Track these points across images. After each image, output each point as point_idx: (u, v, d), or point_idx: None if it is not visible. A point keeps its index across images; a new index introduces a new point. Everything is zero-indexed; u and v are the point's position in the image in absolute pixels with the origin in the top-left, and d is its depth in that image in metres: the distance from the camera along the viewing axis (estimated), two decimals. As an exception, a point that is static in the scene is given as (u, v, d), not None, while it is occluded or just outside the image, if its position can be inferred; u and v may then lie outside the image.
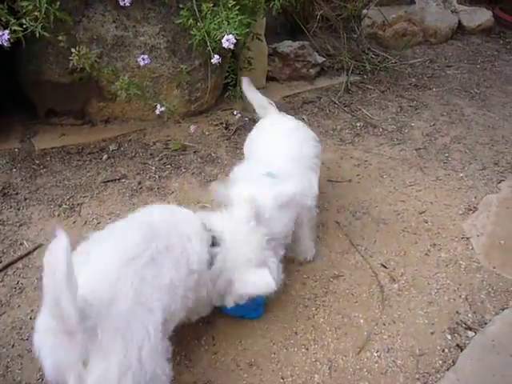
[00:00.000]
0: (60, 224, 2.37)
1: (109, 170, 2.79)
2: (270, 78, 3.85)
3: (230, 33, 2.23)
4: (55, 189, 2.62)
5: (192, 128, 2.75)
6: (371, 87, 3.99)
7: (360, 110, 3.63)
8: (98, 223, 2.40)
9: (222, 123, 3.26)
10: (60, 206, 2.51)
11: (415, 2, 4.67)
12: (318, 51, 4.18)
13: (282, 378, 1.75)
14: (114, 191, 2.63)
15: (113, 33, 2.87)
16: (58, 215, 2.45)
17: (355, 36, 4.60)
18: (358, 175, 2.89)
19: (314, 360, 1.82)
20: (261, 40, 3.29)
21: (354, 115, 3.54)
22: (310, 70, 3.89)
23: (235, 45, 2.28)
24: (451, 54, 4.89)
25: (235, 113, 3.08)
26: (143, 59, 2.46)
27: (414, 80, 4.25)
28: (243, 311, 1.90)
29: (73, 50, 2.36)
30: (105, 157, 2.89)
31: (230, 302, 1.73)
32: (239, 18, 2.47)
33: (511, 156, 3.17)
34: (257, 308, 1.95)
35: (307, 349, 1.86)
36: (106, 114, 3.15)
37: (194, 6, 2.54)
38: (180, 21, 2.59)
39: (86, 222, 2.41)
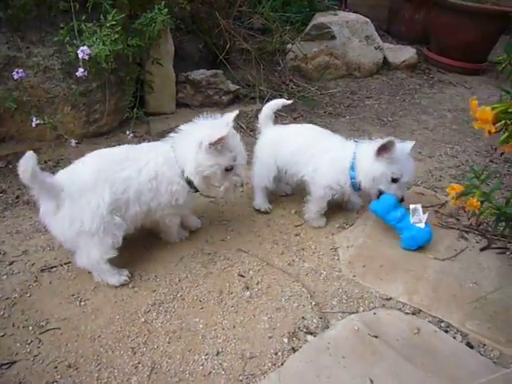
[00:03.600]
0: None
1: (-10, 186, 2.79)
2: (182, 105, 3.93)
3: (84, 44, 2.31)
4: None
5: (73, 142, 2.77)
6: (284, 114, 4.08)
7: (266, 134, 3.69)
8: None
9: (120, 145, 3.29)
10: None
11: (336, 38, 4.87)
12: (237, 81, 4.31)
13: (98, 380, 1.71)
14: (-12, 205, 2.62)
15: (5, 53, 2.95)
16: None
17: (279, 68, 4.78)
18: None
19: (137, 362, 1.79)
20: (161, 65, 3.40)
21: (257, 139, 3.60)
22: (223, 97, 3.99)
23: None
24: (374, 86, 5.07)
25: (127, 133, 3.12)
26: (17, 73, 2.51)
27: (330, 109, 4.38)
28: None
29: None
30: (-10, 173, 2.90)
31: None
32: (115, 36, 2.56)
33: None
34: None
35: (134, 352, 1.83)
36: (1, 133, 3.17)
37: (75, 24, 2.63)
38: (57, 38, 2.68)
39: None
